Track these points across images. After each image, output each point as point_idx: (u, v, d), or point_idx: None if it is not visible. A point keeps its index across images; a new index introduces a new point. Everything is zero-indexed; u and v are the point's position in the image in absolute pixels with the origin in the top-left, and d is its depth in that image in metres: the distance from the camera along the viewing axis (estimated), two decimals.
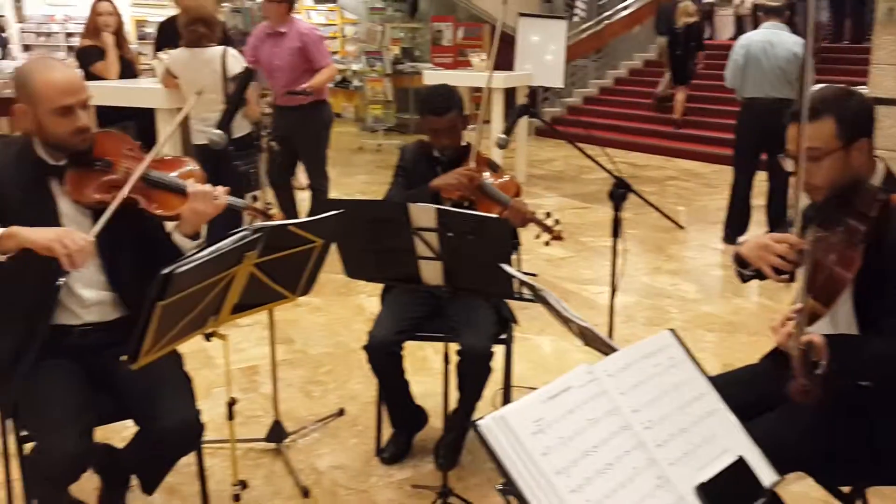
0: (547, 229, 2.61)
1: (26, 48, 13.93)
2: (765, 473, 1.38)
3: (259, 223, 1.75)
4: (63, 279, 1.89)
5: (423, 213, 2.08)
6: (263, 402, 3.35)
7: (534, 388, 3.64)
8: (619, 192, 2.67)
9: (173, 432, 1.97)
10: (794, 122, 1.85)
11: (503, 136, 2.63)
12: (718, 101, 9.97)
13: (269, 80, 5.11)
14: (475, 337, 2.54)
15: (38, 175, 2.06)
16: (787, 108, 6.19)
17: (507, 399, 2.94)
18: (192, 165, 2.18)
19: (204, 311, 1.76)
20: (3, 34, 13.06)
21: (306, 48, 5.01)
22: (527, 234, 2.74)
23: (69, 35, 14.40)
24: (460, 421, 2.79)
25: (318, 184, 5.35)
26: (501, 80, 7.21)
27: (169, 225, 2.18)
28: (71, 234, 1.86)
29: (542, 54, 9.50)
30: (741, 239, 2.12)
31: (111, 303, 2.16)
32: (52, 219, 2.05)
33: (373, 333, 2.63)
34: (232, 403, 2.12)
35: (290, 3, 5.06)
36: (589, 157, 2.65)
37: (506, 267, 1.97)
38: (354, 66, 11.74)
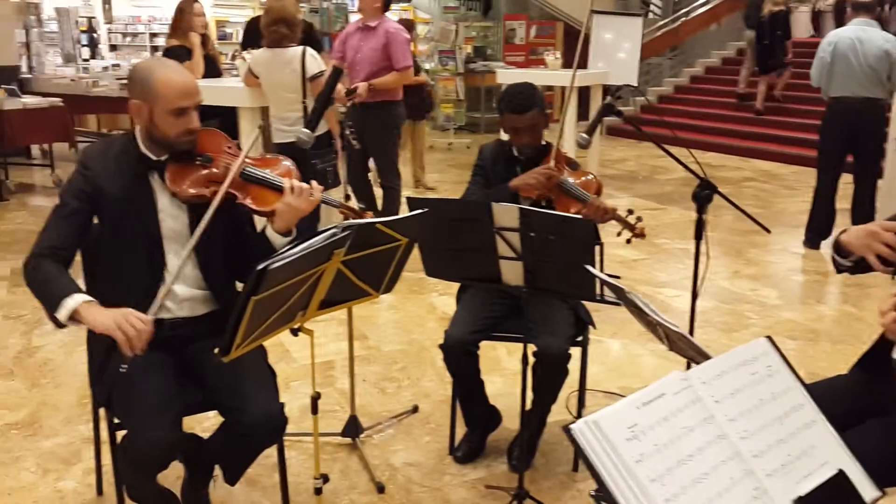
0: (629, 226, 2.57)
1: (113, 48, 14.48)
2: (865, 488, 1.33)
3: (349, 221, 1.77)
4: (125, 367, 1.88)
5: (505, 213, 2.07)
6: (339, 397, 3.41)
7: (607, 392, 3.59)
8: (704, 193, 2.60)
9: (258, 425, 2.02)
10: None
11: (585, 135, 2.60)
12: (798, 101, 9.66)
13: (350, 73, 5.17)
14: (553, 338, 2.51)
15: (140, 170, 2.14)
16: (876, 108, 5.96)
17: (581, 402, 2.91)
18: (287, 163, 2.23)
19: (293, 307, 1.79)
20: (94, 35, 13.59)
21: (389, 46, 5.05)
22: (606, 232, 2.70)
23: (153, 35, 14.91)
24: (535, 422, 2.78)
25: (391, 182, 5.40)
26: (576, 78, 7.11)
27: (258, 221, 2.23)
28: (129, 318, 1.86)
29: (616, 52, 9.37)
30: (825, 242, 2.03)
31: (202, 298, 2.23)
32: (151, 213, 2.13)
33: (449, 332, 2.63)
34: (317, 398, 2.15)
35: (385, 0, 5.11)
36: (675, 158, 2.60)
37: (590, 268, 1.95)
38: (427, 66, 11.80)
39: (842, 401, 1.90)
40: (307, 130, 2.41)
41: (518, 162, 2.77)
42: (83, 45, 12.53)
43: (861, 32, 5.12)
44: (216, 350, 1.71)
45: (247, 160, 2.17)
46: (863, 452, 1.39)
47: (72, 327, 1.95)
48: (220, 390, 2.10)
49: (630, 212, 2.63)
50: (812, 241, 5.62)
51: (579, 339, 2.74)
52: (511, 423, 3.06)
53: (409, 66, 5.23)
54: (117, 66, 10.17)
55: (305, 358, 3.67)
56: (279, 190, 2.14)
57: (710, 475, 1.19)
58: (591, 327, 2.77)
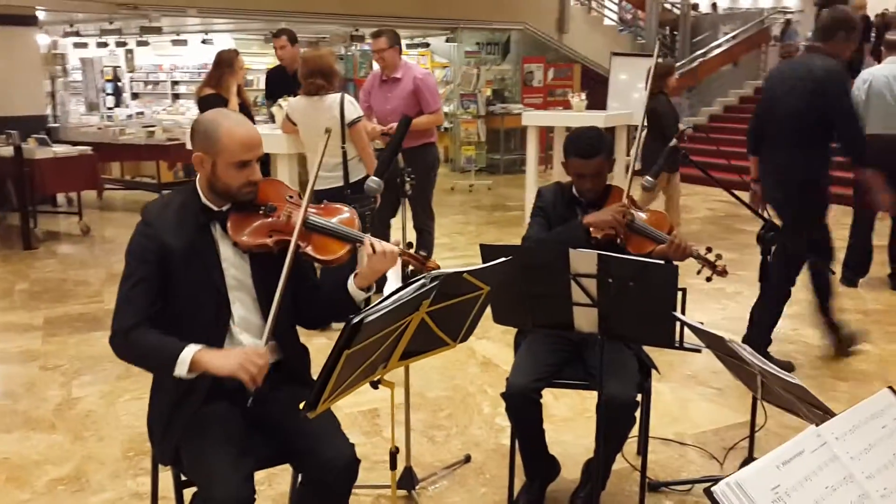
0: (709, 264, 2.51)
1: (135, 96, 14.70)
2: None
3: (438, 271, 1.74)
4: (251, 399, 1.99)
5: (582, 259, 2.03)
6: (388, 446, 3.32)
7: (664, 439, 3.49)
8: (770, 235, 2.56)
9: (335, 465, 1.99)
10: None
11: (650, 178, 2.57)
12: None
13: (382, 125, 5.21)
14: (620, 385, 2.45)
15: (202, 222, 2.12)
16: None
17: (645, 450, 2.83)
18: (348, 211, 2.21)
19: (377, 359, 1.75)
20: (119, 83, 13.81)
21: (419, 91, 5.11)
22: (685, 271, 2.64)
23: (175, 83, 15.13)
24: (599, 472, 2.69)
25: (424, 224, 5.39)
26: (601, 119, 7.15)
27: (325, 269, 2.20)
28: (251, 359, 1.93)
29: (631, 92, 9.43)
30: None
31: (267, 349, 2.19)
32: (214, 264, 2.10)
33: (512, 380, 2.57)
34: (395, 452, 2.09)
35: (400, 47, 5.18)
36: (741, 201, 2.55)
37: (680, 316, 1.90)
38: (445, 109, 11.92)
39: None
40: (377, 178, 2.40)
41: (579, 204, 2.74)
42: (108, 94, 12.71)
43: None
44: (301, 405, 1.66)
45: (310, 209, 2.15)
46: None
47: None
48: (291, 438, 2.06)
49: (709, 249, 2.57)
50: (850, 279, 5.55)
51: (644, 384, 2.67)
52: (569, 472, 2.98)
53: (439, 108, 5.28)
54: (141, 113, 10.31)
55: (349, 405, 3.61)
56: (341, 238, 2.12)
57: None
58: (657, 372, 2.71)
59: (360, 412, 3.65)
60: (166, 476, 2.21)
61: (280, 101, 5.04)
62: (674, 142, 2.58)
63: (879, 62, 5.66)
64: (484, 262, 1.96)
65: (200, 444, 1.98)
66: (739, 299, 5.33)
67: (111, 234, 7.84)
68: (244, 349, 1.97)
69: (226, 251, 2.13)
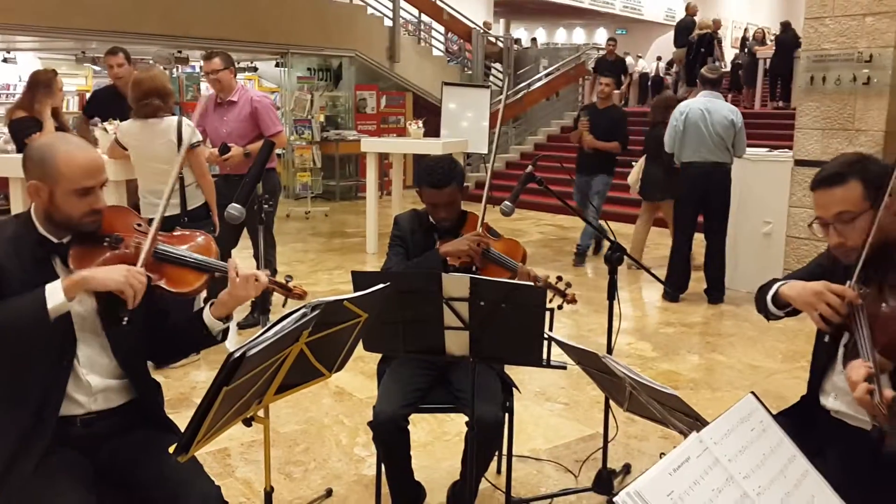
0: (560, 293, 2.62)
1: None
2: None
3: (319, 300, 1.67)
4: (126, 317, 1.89)
5: (455, 283, 2.05)
6: (242, 487, 3.17)
7: (520, 456, 3.57)
8: (615, 256, 2.72)
9: None
10: (822, 188, 1.93)
11: (509, 203, 2.65)
12: None
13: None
14: (488, 406, 2.49)
15: (39, 256, 1.94)
16: (723, 172, 6.55)
17: (509, 467, 2.89)
18: (202, 238, 2.09)
19: (253, 394, 1.66)
20: None
21: (258, 114, 4.99)
22: None
23: None
24: (467, 493, 2.71)
25: (267, 252, 5.22)
26: (438, 146, 7.32)
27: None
28: (135, 273, 1.87)
29: (464, 121, 9.76)
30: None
31: (118, 388, 2.03)
32: None
33: (379, 408, 2.54)
34: (270, 492, 1.99)
35: (235, 69, 5.04)
36: (586, 220, 2.69)
37: (553, 335, 1.96)
38: None
39: None
40: (238, 206, 2.28)
41: (437, 230, 2.76)
42: None
43: (709, 104, 5.66)
44: (171, 449, 1.54)
45: (160, 238, 2.02)
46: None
47: None
48: (150, 484, 1.90)
49: (559, 278, 2.69)
50: (671, 295, 6.01)
51: (507, 404, 2.73)
52: (432, 497, 2.97)
53: (281, 131, 5.18)
54: None
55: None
56: (197, 268, 2.00)
57: None
58: (517, 391, 2.77)
59: (208, 453, 3.44)
60: None
61: (104, 124, 4.71)
62: (529, 168, 2.68)
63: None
64: (356, 290, 1.92)
65: (39, 495, 1.78)
66: (576, 317, 5.61)
67: None
68: (129, 267, 1.88)
69: None
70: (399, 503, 2.80)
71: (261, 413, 1.87)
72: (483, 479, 2.79)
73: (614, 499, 1.15)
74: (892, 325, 1.75)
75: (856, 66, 5.45)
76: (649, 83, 18.07)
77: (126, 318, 1.88)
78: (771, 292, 2.01)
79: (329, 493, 3.11)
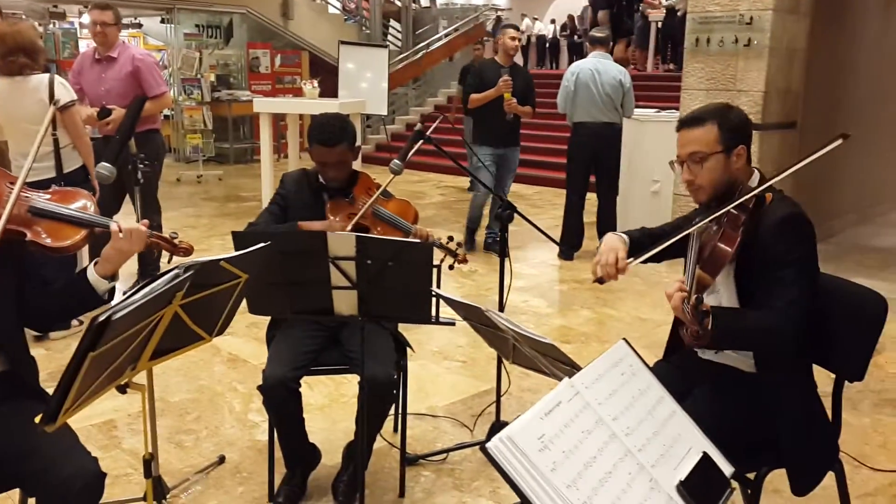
0: (451, 253, 2.63)
1: None
2: (724, 465, 1.48)
3: (194, 260, 1.61)
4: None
5: (341, 242, 2.02)
6: (129, 458, 3.08)
7: (418, 413, 3.62)
8: (506, 213, 2.75)
9: (78, 487, 1.75)
10: (684, 129, 2.03)
11: (398, 161, 2.62)
12: (538, 127, 10.56)
13: (96, 108, 4.75)
14: (380, 366, 2.48)
15: None
16: (614, 132, 6.75)
17: (403, 426, 2.91)
18: (84, 197, 2.00)
19: (125, 360, 1.59)
20: None
21: (140, 73, 4.75)
22: None
23: None
24: (362, 453, 2.72)
25: (152, 219, 5.02)
26: (335, 107, 7.17)
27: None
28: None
29: (360, 82, 9.61)
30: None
31: None
32: None
33: (269, 372, 2.50)
34: (150, 459, 1.92)
35: (121, 25, 4.77)
36: (483, 184, 2.70)
37: (440, 292, 1.96)
38: None
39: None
40: (109, 165, 2.16)
41: (326, 190, 2.71)
42: None
43: (599, 64, 5.76)
44: (38, 419, 1.46)
45: (36, 193, 1.93)
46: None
47: None
48: (19, 460, 1.80)
49: (451, 238, 2.69)
50: (566, 253, 6.16)
51: (401, 363, 2.74)
52: (329, 458, 2.97)
53: (166, 91, 4.95)
54: None
55: (80, 419, 3.25)
56: (76, 223, 1.91)
57: (613, 474, 1.26)
58: (411, 350, 2.78)
59: (93, 425, 3.32)
60: None
61: None
62: (419, 126, 2.66)
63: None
64: (237, 250, 1.87)
65: None
66: (475, 277, 5.68)
67: None
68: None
69: None
70: (292, 466, 2.78)
71: (138, 379, 1.80)
72: (379, 437, 2.80)
73: (486, 445, 1.17)
74: (711, 244, 1.90)
75: (738, 28, 5.66)
76: (546, 45, 18.27)
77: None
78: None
79: (222, 459, 3.06)
